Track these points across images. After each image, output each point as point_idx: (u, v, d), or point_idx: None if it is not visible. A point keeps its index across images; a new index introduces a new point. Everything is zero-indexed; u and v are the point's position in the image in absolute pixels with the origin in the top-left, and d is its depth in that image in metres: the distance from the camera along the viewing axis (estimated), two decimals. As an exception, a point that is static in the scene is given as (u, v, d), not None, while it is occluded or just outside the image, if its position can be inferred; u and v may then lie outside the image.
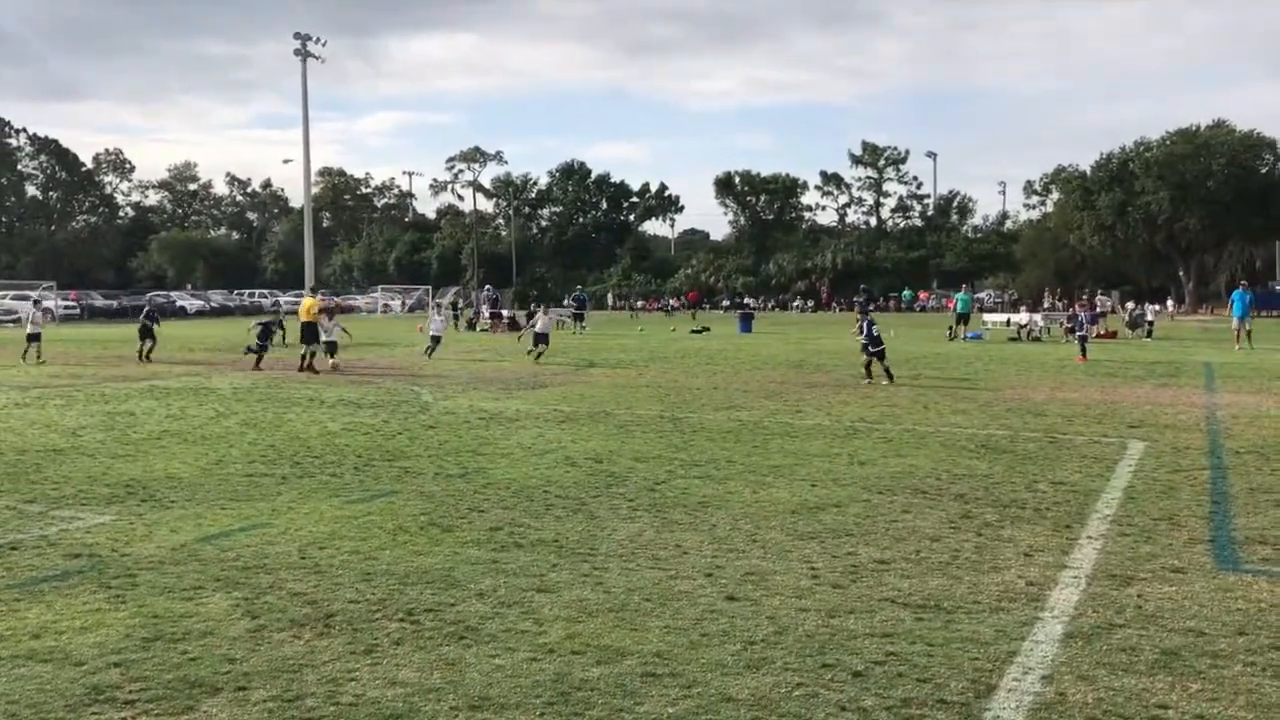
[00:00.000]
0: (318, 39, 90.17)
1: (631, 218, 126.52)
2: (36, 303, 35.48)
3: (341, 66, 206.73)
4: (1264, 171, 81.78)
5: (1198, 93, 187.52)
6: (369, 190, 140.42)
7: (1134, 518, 9.65)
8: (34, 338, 29.65)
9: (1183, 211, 78.63)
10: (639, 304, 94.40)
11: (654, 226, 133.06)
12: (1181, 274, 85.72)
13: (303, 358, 26.44)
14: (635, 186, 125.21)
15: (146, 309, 32.52)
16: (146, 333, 30.24)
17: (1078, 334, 30.52)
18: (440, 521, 9.58)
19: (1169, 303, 78.32)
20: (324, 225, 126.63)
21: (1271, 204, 79.34)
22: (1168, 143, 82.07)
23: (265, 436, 15.02)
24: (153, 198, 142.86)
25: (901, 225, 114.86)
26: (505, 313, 55.11)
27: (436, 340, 31.69)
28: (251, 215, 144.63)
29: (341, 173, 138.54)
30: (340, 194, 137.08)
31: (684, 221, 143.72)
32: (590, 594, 7.30)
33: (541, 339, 30.02)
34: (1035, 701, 5.42)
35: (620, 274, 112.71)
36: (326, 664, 5.99)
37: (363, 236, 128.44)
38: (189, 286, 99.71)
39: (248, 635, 6.47)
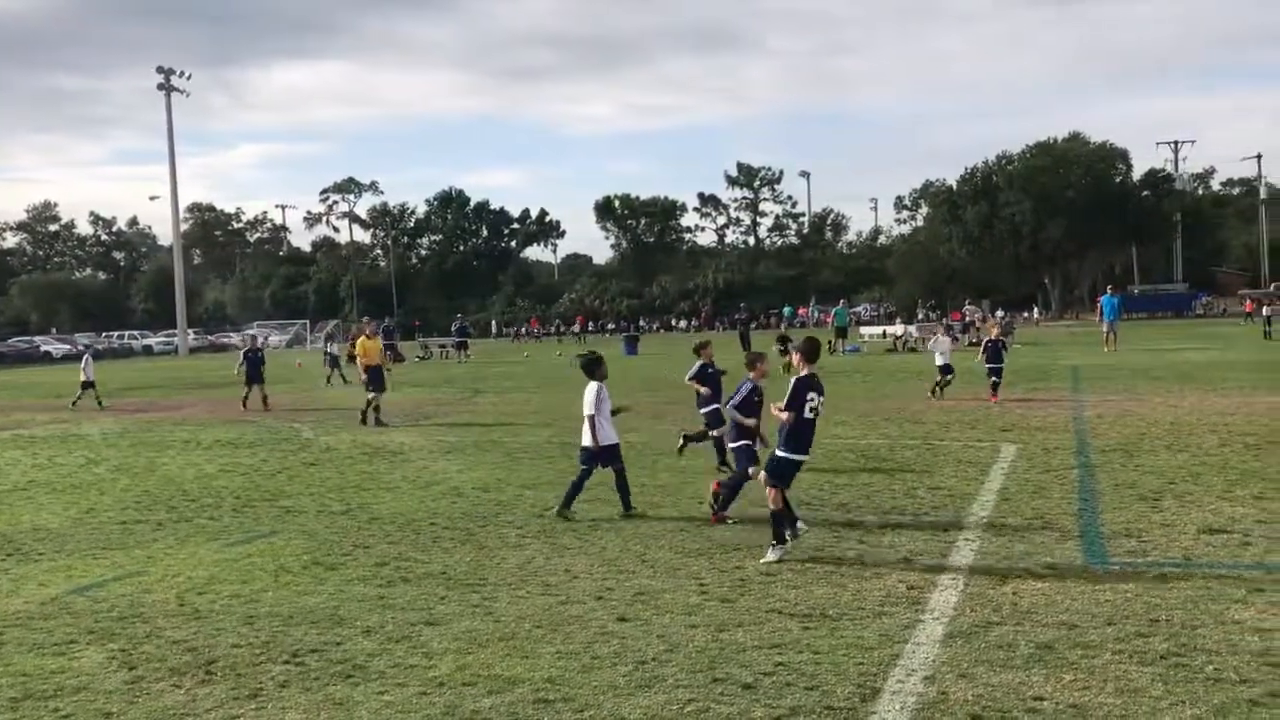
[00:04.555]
0: (181, 72, 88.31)
1: (513, 244, 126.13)
2: (88, 348, 36.27)
3: (204, 99, 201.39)
4: (1118, 181, 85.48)
5: (1055, 108, 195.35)
6: (240, 225, 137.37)
7: (1008, 518, 9.99)
8: (88, 385, 28.41)
9: (1045, 221, 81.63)
10: (522, 329, 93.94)
11: (536, 252, 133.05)
12: (1047, 281, 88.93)
13: (369, 406, 21.17)
14: (515, 213, 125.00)
15: (249, 350, 27.01)
16: (256, 376, 26.00)
17: (989, 365, 21.37)
18: (324, 560, 9.40)
19: (1035, 310, 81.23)
20: (195, 262, 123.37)
21: (1126, 211, 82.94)
22: (1028, 156, 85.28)
23: (139, 482, 14.53)
24: (11, 240, 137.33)
25: (779, 244, 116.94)
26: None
27: None
28: (118, 255, 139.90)
29: (211, 208, 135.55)
30: (210, 229, 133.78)
31: (566, 246, 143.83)
32: (480, 624, 7.25)
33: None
34: (918, 702, 5.56)
35: (504, 301, 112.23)
36: (209, 712, 5.83)
37: (236, 272, 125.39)
38: (53, 330, 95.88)
39: (125, 688, 6.25)
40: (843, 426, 17.61)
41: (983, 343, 22.79)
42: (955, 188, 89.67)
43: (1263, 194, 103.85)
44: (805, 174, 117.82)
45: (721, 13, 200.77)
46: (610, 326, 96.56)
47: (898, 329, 47.15)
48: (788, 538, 8.69)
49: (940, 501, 10.93)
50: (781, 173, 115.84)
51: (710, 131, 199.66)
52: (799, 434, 8.78)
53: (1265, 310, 45.27)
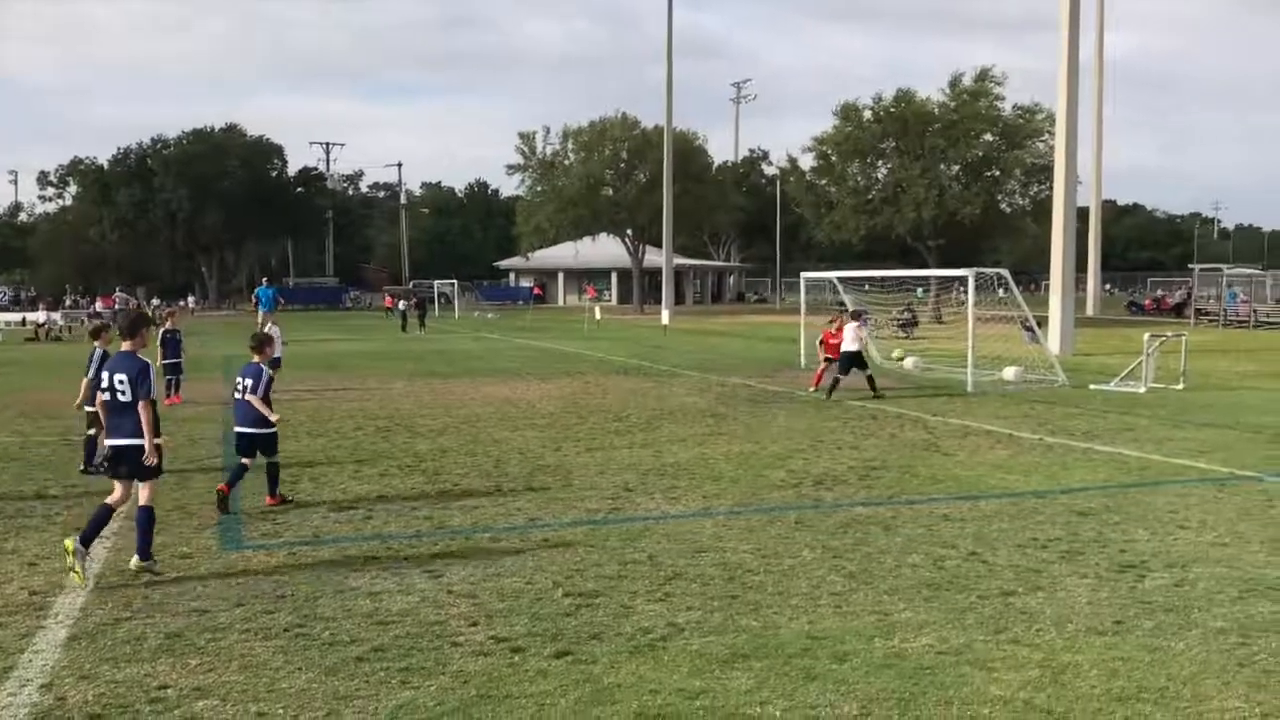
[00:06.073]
0: None
1: None
2: None
3: None
4: (275, 175, 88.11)
5: (212, 97, 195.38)
6: None
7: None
8: None
9: (203, 209, 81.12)
10: None
11: None
12: (205, 270, 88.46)
13: None
14: None
15: None
16: None
17: (169, 360, 19.17)
18: None
19: (192, 298, 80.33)
20: None
21: (282, 205, 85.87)
22: (185, 142, 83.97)
23: None
24: None
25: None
26: None
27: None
28: None
29: None
30: None
31: None
32: None
33: None
34: (32, 712, 5.28)
35: None
36: None
37: None
38: None
39: None
40: (-35, 424, 15.81)
41: (160, 335, 19.15)
42: (107, 168, 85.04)
43: (403, 199, 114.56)
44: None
45: None
46: None
47: (40, 316, 43.38)
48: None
49: (76, 499, 10.36)
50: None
51: None
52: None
53: (401, 305, 50.10)
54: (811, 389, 19.88)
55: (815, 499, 10.50)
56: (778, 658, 6.04)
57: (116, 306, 50.50)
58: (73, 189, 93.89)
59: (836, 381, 19.27)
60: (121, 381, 7.70)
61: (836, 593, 7.31)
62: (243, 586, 7.43)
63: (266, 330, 12.59)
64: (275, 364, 20.69)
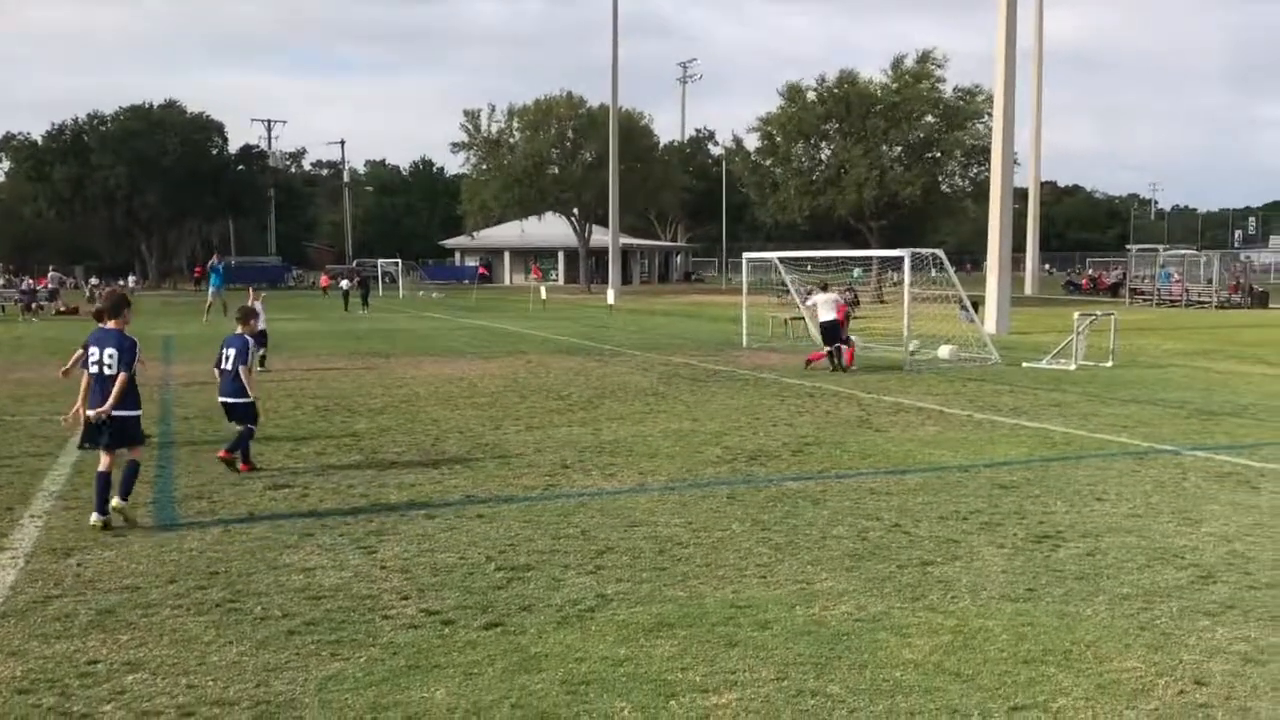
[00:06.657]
0: None
1: None
2: None
3: None
4: (215, 153, 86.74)
5: (154, 72, 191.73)
6: None
7: (81, 490, 9.77)
8: None
9: (142, 187, 79.75)
10: None
11: None
12: (145, 249, 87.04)
13: None
14: None
15: None
16: None
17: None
18: None
19: (132, 278, 79.05)
20: None
21: (223, 183, 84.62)
22: (122, 119, 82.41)
23: None
24: None
25: None
26: None
27: None
28: None
29: None
30: None
31: None
32: None
33: None
34: (-40, 688, 5.31)
35: None
36: None
37: None
38: None
39: None
40: (-106, 405, 15.56)
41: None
42: (42, 144, 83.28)
43: (346, 176, 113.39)
44: None
45: None
46: None
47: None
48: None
49: (7, 479, 10.30)
50: None
51: None
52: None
53: (344, 284, 49.72)
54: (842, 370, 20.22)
55: (748, 474, 10.71)
56: (701, 626, 6.22)
57: (50, 286, 49.64)
58: (5, 165, 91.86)
59: (832, 353, 20.14)
60: (111, 355, 8.46)
61: (762, 564, 7.51)
62: (176, 564, 7.48)
63: (251, 304, 13.28)
64: (261, 339, 21.10)
